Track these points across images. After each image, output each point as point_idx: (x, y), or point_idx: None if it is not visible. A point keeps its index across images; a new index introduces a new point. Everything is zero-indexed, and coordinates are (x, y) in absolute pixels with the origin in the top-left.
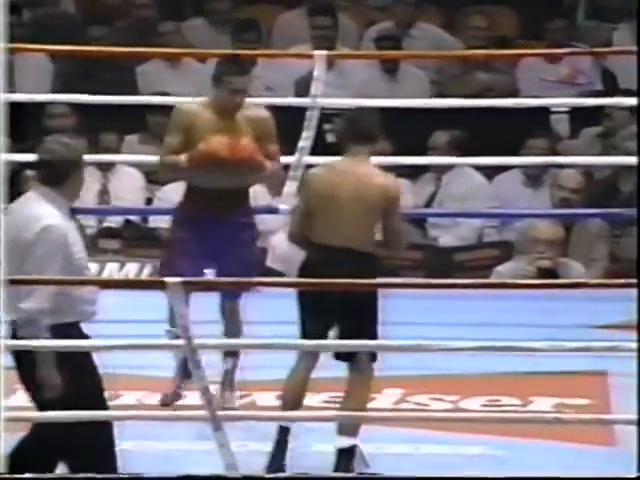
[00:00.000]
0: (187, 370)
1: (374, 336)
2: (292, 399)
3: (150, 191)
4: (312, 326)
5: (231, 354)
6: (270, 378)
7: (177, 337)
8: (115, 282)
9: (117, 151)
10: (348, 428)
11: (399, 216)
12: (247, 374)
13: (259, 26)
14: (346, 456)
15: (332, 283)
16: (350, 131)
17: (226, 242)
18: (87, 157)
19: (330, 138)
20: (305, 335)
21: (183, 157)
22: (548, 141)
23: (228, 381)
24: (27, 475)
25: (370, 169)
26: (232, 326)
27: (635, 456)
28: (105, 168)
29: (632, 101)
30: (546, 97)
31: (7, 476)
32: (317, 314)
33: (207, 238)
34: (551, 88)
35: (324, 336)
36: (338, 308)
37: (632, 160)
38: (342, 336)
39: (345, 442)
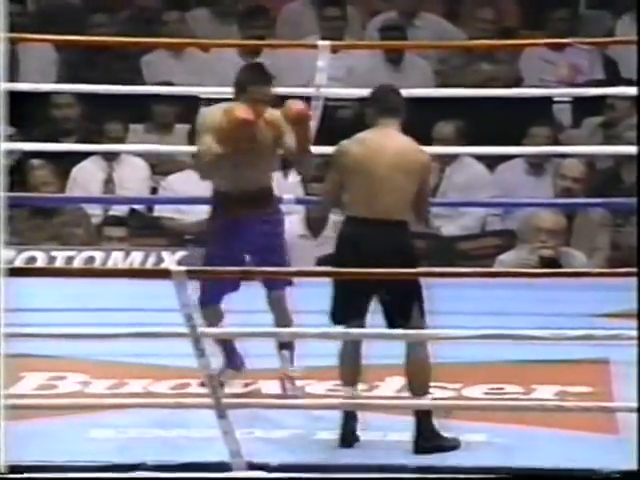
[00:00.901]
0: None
1: (421, 300)
2: (349, 377)
3: (155, 181)
4: (350, 300)
5: (286, 346)
6: (275, 366)
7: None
8: (120, 271)
9: (122, 140)
10: (420, 389)
11: (430, 187)
12: (252, 362)
13: (269, 13)
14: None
15: (348, 273)
16: (377, 105)
17: (258, 241)
18: (93, 146)
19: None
20: (341, 309)
21: (215, 146)
22: (550, 130)
23: (287, 374)
24: (27, 475)
25: (404, 139)
26: (280, 317)
27: (636, 444)
28: (110, 158)
29: (634, 91)
30: (548, 85)
31: (7, 476)
32: (356, 288)
33: (240, 240)
34: (553, 73)
35: (364, 309)
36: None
37: (634, 150)
38: (389, 305)
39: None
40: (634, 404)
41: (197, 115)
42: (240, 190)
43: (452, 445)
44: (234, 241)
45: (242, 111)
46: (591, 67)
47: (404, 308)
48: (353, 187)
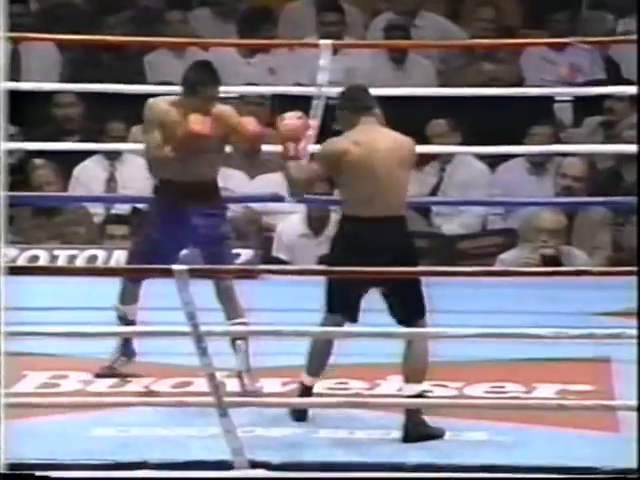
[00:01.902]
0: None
1: (421, 294)
2: (317, 369)
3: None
4: (348, 291)
5: (240, 338)
6: (276, 364)
7: (123, 316)
8: (122, 270)
9: (124, 140)
10: (414, 376)
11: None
12: (254, 360)
13: (272, 14)
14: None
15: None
16: (355, 105)
17: (198, 233)
18: (95, 145)
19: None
20: (339, 300)
21: (167, 148)
22: (551, 129)
23: (245, 365)
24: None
25: (392, 133)
26: (230, 308)
27: (636, 442)
28: (113, 157)
29: (634, 90)
30: (549, 86)
31: (9, 473)
32: (352, 283)
33: (178, 230)
34: (539, 70)
35: (359, 301)
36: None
37: (634, 148)
38: (391, 300)
39: (412, 389)
40: (635, 402)
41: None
42: (183, 181)
43: (438, 434)
44: (171, 230)
45: (198, 124)
46: (592, 67)
47: (408, 301)
48: (354, 187)
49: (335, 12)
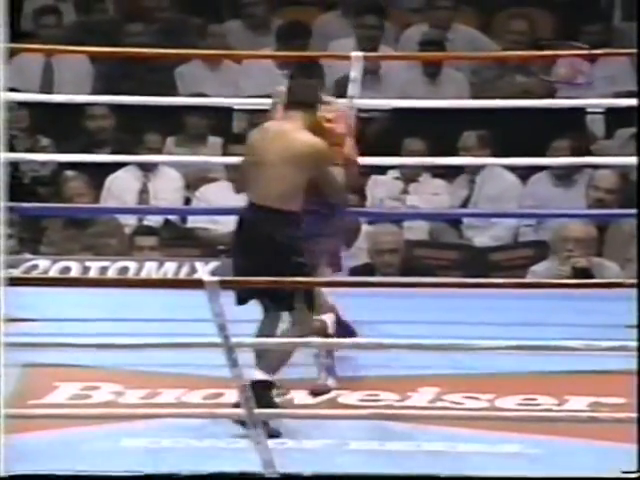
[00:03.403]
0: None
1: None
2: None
3: (189, 192)
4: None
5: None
6: (306, 376)
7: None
8: (153, 281)
9: (160, 151)
10: (266, 366)
11: (328, 170)
12: (284, 372)
13: (306, 27)
14: (260, 388)
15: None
16: (288, 98)
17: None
18: (126, 157)
19: None
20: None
21: None
22: (575, 141)
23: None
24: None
25: (300, 132)
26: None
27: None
28: (147, 168)
29: None
30: (582, 97)
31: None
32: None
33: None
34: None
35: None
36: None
37: None
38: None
39: (260, 376)
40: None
41: (229, 126)
42: None
43: (274, 434)
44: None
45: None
46: (626, 78)
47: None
48: (249, 173)
49: (374, 15)
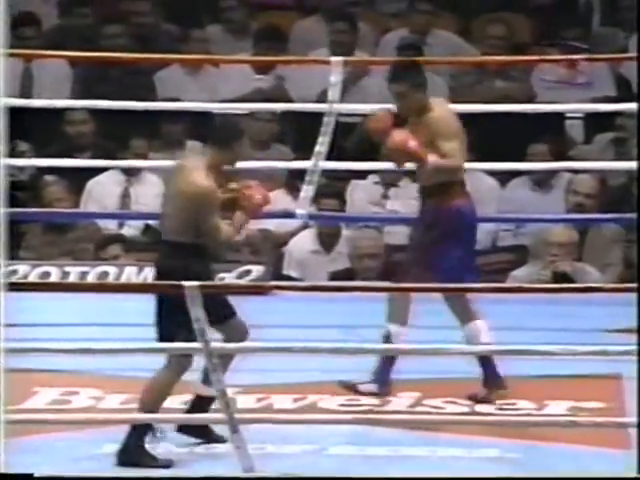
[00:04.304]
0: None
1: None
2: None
3: None
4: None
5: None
6: (287, 381)
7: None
8: (133, 286)
9: (146, 157)
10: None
11: (207, 216)
12: (265, 377)
13: (283, 34)
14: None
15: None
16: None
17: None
18: (106, 162)
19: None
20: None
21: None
22: (557, 146)
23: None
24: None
25: (194, 167)
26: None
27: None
28: (130, 173)
29: None
30: (560, 102)
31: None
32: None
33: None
34: (551, 88)
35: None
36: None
37: None
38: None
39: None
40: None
41: (212, 131)
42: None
43: (160, 465)
44: None
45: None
46: (603, 84)
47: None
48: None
49: (346, 21)
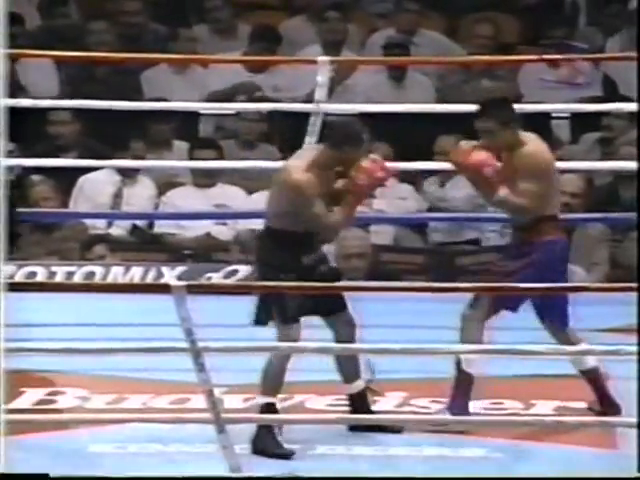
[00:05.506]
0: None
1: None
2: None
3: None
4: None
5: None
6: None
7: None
8: (120, 286)
9: (144, 158)
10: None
11: (303, 205)
12: (252, 376)
13: (277, 33)
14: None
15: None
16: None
17: None
18: (93, 162)
19: None
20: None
21: None
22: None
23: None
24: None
25: (296, 162)
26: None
27: (636, 459)
28: (126, 173)
29: (632, 107)
30: (547, 102)
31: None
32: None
33: None
34: (551, 89)
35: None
36: None
37: (632, 165)
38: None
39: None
40: (634, 419)
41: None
42: None
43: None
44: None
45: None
46: (592, 72)
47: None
48: None
49: (332, 21)
